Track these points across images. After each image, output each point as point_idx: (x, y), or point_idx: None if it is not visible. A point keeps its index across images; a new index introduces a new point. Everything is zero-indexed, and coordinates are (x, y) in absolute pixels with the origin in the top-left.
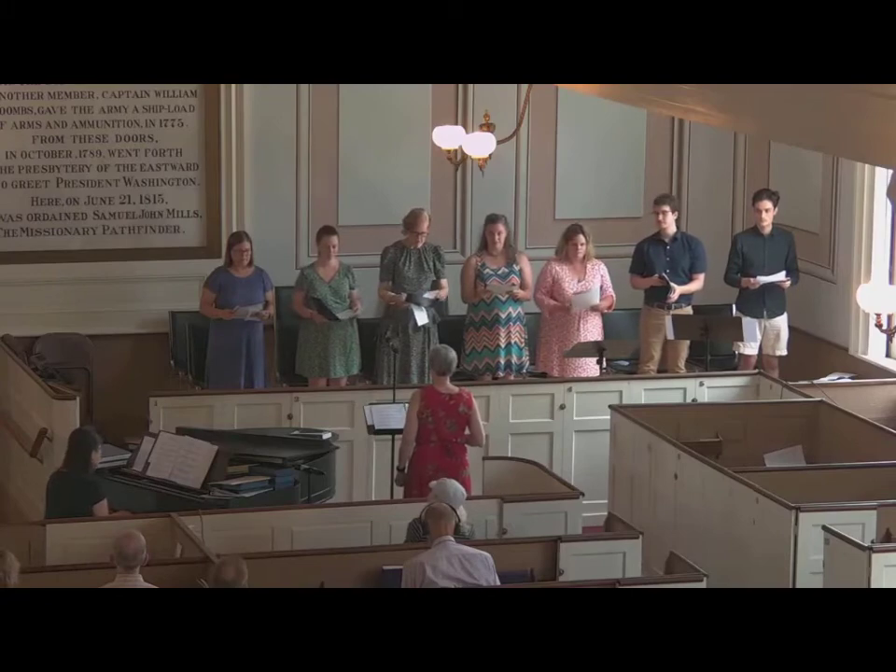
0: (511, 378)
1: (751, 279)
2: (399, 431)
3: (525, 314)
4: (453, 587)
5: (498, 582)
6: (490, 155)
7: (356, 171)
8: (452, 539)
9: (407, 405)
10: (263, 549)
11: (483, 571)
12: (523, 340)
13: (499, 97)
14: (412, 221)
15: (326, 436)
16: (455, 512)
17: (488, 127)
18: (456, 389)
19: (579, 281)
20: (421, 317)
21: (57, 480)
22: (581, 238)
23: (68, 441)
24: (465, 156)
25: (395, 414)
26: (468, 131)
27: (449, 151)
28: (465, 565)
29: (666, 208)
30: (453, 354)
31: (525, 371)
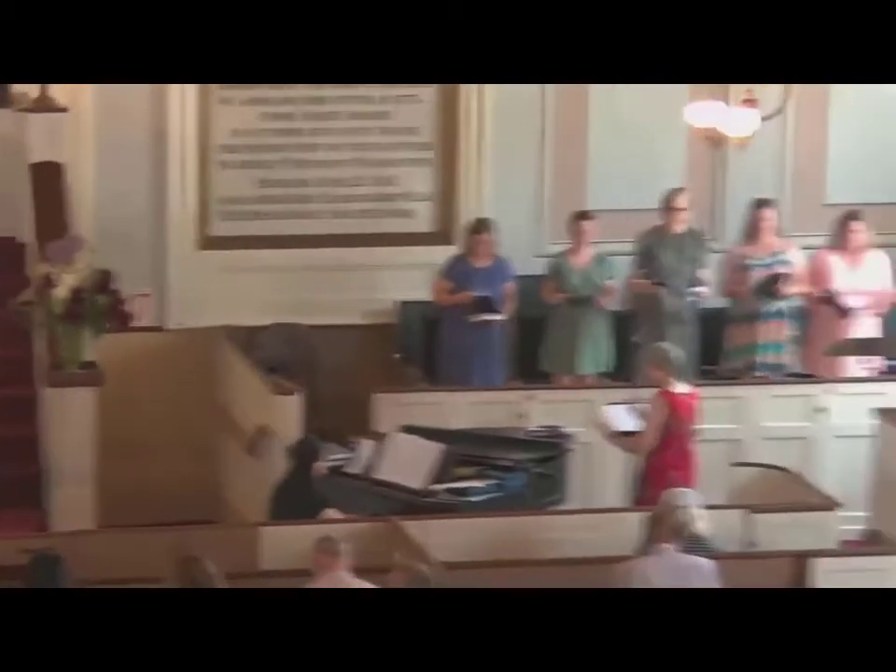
0: (769, 378)
1: None
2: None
3: (796, 308)
4: None
5: None
6: (753, 134)
7: (605, 150)
8: (671, 547)
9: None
10: (491, 557)
11: (697, 584)
12: (785, 336)
13: None
14: (668, 198)
15: (566, 429)
16: (685, 518)
17: (751, 103)
18: (689, 386)
19: (853, 273)
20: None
21: (281, 491)
22: (857, 225)
23: (291, 450)
24: (723, 135)
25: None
26: (728, 106)
27: (706, 129)
28: (678, 577)
29: None
30: (681, 352)
31: (787, 370)
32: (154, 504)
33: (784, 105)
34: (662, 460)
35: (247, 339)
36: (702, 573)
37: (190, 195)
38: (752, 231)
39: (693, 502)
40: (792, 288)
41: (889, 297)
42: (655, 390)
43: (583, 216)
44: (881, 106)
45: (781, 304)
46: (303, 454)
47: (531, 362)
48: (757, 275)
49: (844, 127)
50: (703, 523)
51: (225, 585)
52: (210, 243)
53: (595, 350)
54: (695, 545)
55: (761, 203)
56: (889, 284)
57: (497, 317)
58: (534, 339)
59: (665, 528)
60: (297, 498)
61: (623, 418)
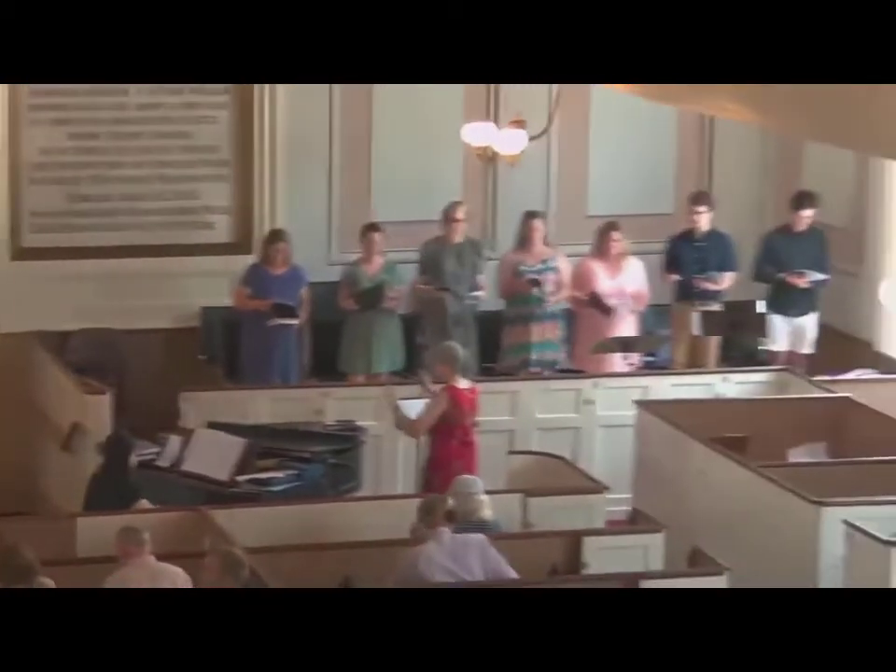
0: (542, 374)
1: (797, 276)
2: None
3: (563, 310)
4: (447, 578)
5: (499, 559)
6: (521, 152)
7: (388, 167)
8: (447, 530)
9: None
10: (291, 542)
11: (474, 558)
12: (557, 336)
13: (530, 93)
14: (447, 210)
15: (360, 423)
16: (475, 504)
17: (519, 124)
18: (469, 383)
19: (612, 278)
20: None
21: (95, 484)
22: (616, 234)
23: (104, 445)
24: (496, 153)
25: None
26: (498, 128)
27: (480, 148)
28: (457, 555)
29: (703, 208)
30: (462, 350)
31: (559, 367)
32: None
33: (549, 126)
34: (446, 450)
35: (59, 343)
36: (477, 546)
37: (3, 209)
38: (524, 240)
39: (480, 490)
40: (561, 293)
41: (644, 298)
42: (440, 385)
43: (373, 227)
44: (634, 126)
45: (553, 307)
46: (115, 448)
47: (325, 362)
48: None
49: (602, 146)
50: (489, 510)
51: (42, 572)
52: (23, 253)
53: (389, 351)
54: (482, 528)
55: (531, 215)
56: (644, 286)
57: (294, 321)
58: (327, 340)
59: (440, 513)
60: (111, 490)
61: (412, 410)
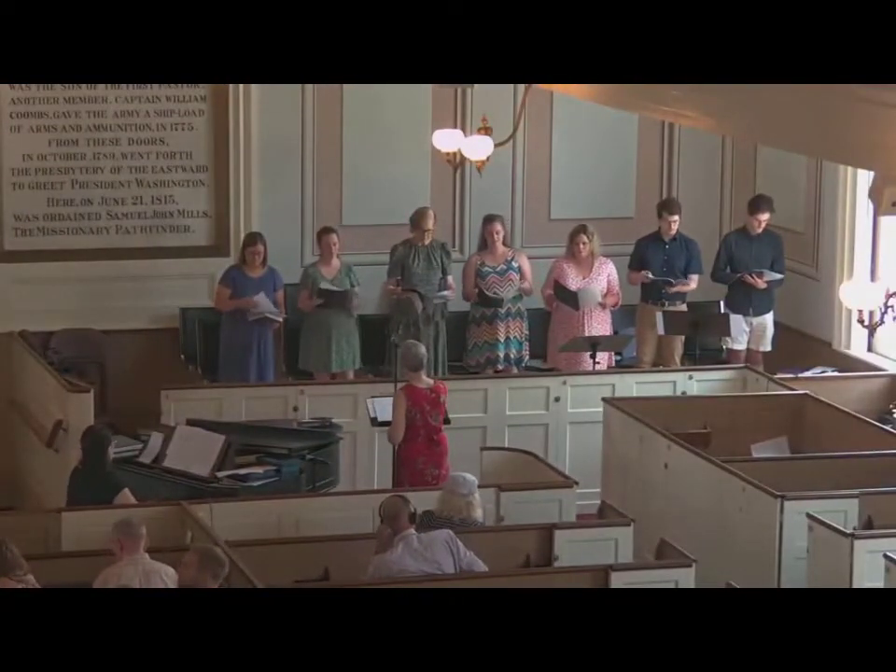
0: (512, 372)
1: (755, 276)
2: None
3: (527, 309)
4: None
5: (468, 552)
6: (488, 157)
7: (359, 172)
8: (413, 532)
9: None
10: (270, 536)
11: (443, 554)
12: (523, 335)
13: (496, 101)
14: (418, 219)
15: (336, 420)
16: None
17: (486, 130)
18: (432, 381)
19: (583, 278)
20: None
21: (77, 477)
22: (584, 237)
23: (82, 440)
24: (463, 158)
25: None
26: (466, 134)
27: (448, 154)
28: (427, 556)
29: (675, 217)
30: (423, 349)
31: (524, 364)
32: None
33: (514, 132)
34: (411, 448)
35: (42, 343)
36: (443, 542)
37: None
38: (486, 243)
39: (466, 489)
40: (524, 285)
41: (614, 298)
42: (401, 385)
43: (329, 230)
44: (596, 133)
45: (518, 305)
46: (92, 442)
47: (296, 361)
48: (492, 280)
49: (565, 152)
50: (478, 510)
51: (26, 566)
52: (5, 256)
53: (348, 350)
54: (468, 526)
55: (490, 218)
56: (616, 286)
57: (278, 318)
58: (299, 340)
59: (404, 517)
60: (91, 484)
61: (386, 408)
